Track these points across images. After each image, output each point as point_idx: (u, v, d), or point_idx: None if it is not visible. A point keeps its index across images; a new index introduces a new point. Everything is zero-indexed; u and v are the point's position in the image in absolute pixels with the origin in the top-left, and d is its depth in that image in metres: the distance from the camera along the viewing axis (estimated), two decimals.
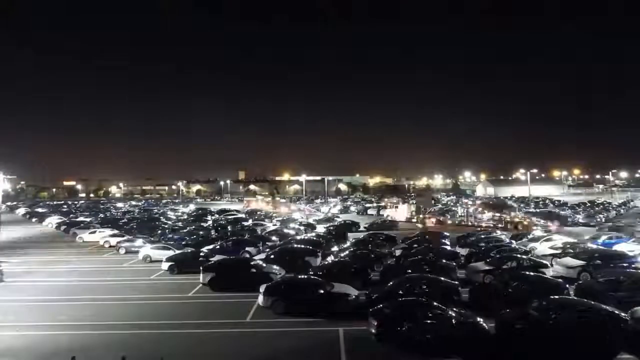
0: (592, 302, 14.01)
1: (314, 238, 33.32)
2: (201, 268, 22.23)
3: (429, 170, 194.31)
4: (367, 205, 75.58)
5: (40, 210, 77.07)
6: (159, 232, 41.54)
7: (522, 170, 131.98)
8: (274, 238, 34.72)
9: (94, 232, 40.94)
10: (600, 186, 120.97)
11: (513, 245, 28.95)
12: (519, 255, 23.76)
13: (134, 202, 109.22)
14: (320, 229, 41.19)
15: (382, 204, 73.06)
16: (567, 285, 17.70)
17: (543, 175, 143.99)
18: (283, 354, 12.97)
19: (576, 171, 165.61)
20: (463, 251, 28.53)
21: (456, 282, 18.65)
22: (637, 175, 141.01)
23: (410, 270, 20.50)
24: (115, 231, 40.17)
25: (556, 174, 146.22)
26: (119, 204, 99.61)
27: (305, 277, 19.73)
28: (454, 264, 23.17)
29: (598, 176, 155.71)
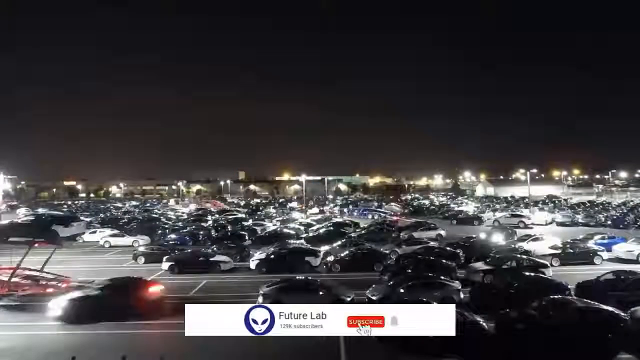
0: (592, 302, 14.03)
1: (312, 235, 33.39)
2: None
3: (429, 171, 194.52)
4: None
5: (40, 210, 77.08)
6: (159, 232, 41.57)
7: (522, 170, 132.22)
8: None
9: (94, 232, 41.01)
10: (600, 186, 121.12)
11: (513, 246, 28.92)
12: (518, 255, 23.80)
13: (134, 202, 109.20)
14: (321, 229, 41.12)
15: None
16: (569, 286, 17.72)
17: (543, 175, 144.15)
18: (283, 353, 13.02)
19: (576, 171, 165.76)
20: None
21: (456, 282, 18.68)
22: (636, 175, 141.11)
23: (410, 270, 20.53)
24: (116, 231, 40.28)
25: (556, 174, 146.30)
26: (119, 204, 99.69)
27: (303, 278, 19.82)
28: (454, 264, 23.21)
29: (598, 176, 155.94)
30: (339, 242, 30.61)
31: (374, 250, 27.59)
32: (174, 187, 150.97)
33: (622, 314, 13.40)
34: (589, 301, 14.16)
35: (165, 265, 25.85)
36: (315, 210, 70.69)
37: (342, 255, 26.46)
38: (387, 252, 28.29)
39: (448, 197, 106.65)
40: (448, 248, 27.87)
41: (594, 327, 12.78)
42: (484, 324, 13.30)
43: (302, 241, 32.41)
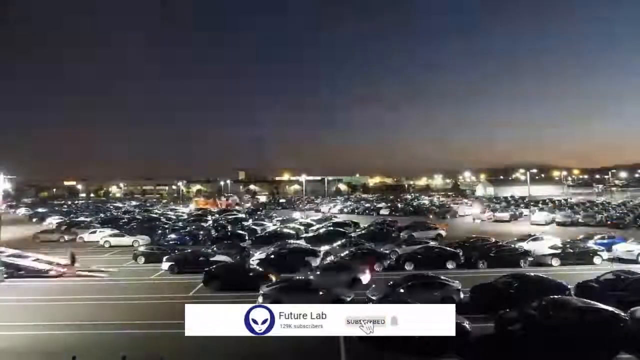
0: (592, 302, 14.02)
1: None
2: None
3: (429, 170, 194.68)
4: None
5: (40, 210, 77.10)
6: (159, 232, 41.54)
7: (522, 170, 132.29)
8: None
9: (94, 232, 41.10)
10: (600, 186, 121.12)
11: (513, 246, 28.86)
12: None
13: (134, 202, 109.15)
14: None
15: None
16: (569, 286, 17.72)
17: (543, 175, 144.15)
18: (283, 353, 13.02)
19: (576, 171, 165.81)
20: None
21: (456, 282, 18.67)
22: (636, 175, 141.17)
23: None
24: (116, 231, 40.30)
25: (556, 174, 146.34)
26: (119, 204, 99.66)
27: (303, 278, 19.81)
28: (455, 264, 23.22)
29: (598, 176, 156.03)
30: (339, 242, 30.62)
31: (374, 250, 27.59)
32: (174, 187, 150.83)
33: (622, 313, 13.41)
34: (589, 301, 14.16)
35: (165, 265, 25.82)
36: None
37: (342, 255, 26.45)
38: (387, 252, 28.32)
39: (450, 197, 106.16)
40: (448, 248, 27.88)
41: (594, 327, 12.80)
42: (467, 325, 13.19)
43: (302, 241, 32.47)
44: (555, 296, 15.05)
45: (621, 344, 12.70)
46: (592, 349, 12.52)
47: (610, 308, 13.46)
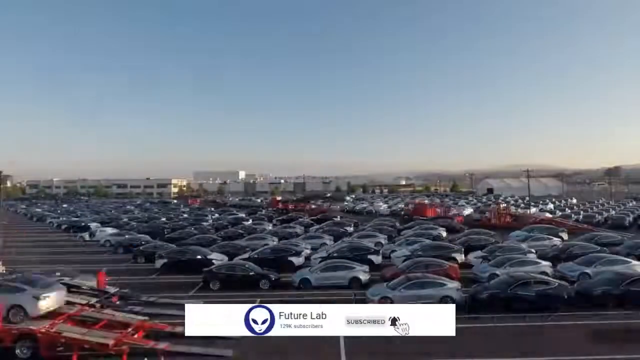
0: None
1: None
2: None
3: (428, 170, 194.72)
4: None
5: (39, 210, 77.13)
6: (159, 231, 41.49)
7: (522, 170, 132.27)
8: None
9: (95, 231, 41.12)
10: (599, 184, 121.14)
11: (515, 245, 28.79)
12: (522, 256, 23.63)
13: (134, 202, 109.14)
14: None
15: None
16: (569, 286, 17.76)
17: (542, 175, 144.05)
18: (283, 352, 13.02)
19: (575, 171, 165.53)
20: None
21: (456, 282, 18.67)
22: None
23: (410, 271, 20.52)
24: (116, 230, 40.30)
25: (556, 174, 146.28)
26: (119, 204, 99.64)
27: None
28: (456, 264, 23.17)
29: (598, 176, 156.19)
30: (339, 242, 30.62)
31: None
32: (174, 187, 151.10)
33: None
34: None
35: (159, 263, 25.66)
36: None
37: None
38: (388, 252, 28.34)
39: (450, 198, 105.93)
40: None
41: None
42: None
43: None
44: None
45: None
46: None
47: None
